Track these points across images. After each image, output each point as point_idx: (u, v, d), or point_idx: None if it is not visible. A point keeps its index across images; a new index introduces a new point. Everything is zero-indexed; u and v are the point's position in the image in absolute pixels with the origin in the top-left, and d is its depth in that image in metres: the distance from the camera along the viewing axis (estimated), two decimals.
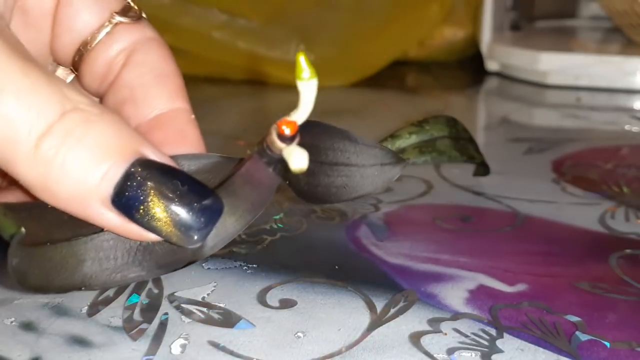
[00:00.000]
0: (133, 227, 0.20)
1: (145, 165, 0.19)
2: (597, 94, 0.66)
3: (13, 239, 0.19)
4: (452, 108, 0.64)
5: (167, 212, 0.19)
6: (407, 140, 0.38)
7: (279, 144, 0.20)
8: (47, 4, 0.25)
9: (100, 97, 0.26)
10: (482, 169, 0.41)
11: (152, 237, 0.20)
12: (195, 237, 0.20)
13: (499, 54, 0.75)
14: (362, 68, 0.73)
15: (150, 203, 0.19)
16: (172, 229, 0.19)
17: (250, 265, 0.30)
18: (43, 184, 0.19)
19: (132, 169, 0.19)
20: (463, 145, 0.39)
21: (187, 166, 0.22)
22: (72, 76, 0.27)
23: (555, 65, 0.69)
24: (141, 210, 0.19)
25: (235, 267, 0.30)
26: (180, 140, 0.24)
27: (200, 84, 0.74)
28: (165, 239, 0.20)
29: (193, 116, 0.25)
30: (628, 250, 0.32)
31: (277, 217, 0.36)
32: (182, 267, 0.21)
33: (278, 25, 0.71)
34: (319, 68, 0.21)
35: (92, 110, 0.19)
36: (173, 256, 0.21)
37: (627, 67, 0.66)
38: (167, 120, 0.25)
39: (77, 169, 0.19)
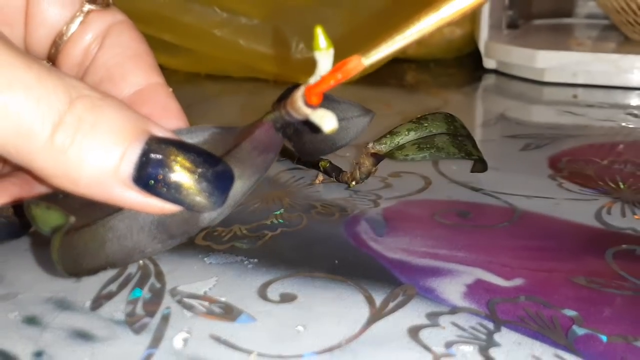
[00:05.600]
0: (153, 202, 0.20)
1: (158, 142, 0.20)
2: (594, 91, 0.66)
3: (60, 229, 0.19)
4: (451, 105, 0.64)
5: (188, 181, 0.20)
6: (406, 137, 0.38)
7: (305, 109, 0.21)
8: (18, 0, 0.25)
9: None
10: (480, 165, 0.41)
11: (171, 208, 0.21)
12: (215, 202, 0.21)
13: (497, 52, 0.75)
14: None
15: (171, 175, 0.20)
16: (195, 197, 0.20)
17: (251, 260, 0.31)
18: (64, 172, 0.19)
19: (148, 147, 0.20)
20: (461, 141, 0.39)
21: (187, 140, 0.23)
22: None
23: (552, 63, 0.69)
24: (164, 184, 0.20)
25: (237, 261, 0.31)
26: (165, 114, 0.25)
27: (202, 81, 0.75)
28: (186, 207, 0.21)
29: (170, 89, 0.26)
30: (624, 246, 0.32)
31: (278, 212, 0.36)
32: (195, 235, 0.23)
33: (278, 23, 0.72)
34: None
35: (95, 95, 0.20)
36: (185, 226, 0.22)
37: (623, 64, 0.66)
38: (147, 95, 0.26)
39: (95, 154, 0.19)
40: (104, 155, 0.19)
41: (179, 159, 0.20)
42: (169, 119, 0.25)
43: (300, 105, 0.21)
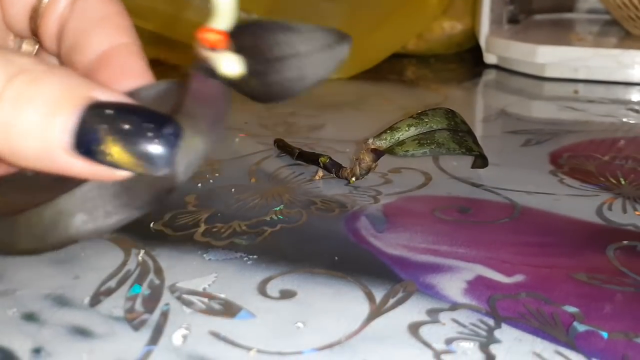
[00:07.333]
0: (102, 169, 0.20)
1: (96, 107, 0.20)
2: (595, 86, 0.66)
3: None
4: (451, 100, 0.64)
5: (125, 146, 0.20)
6: (406, 133, 0.38)
7: (203, 52, 0.20)
8: None
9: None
10: (481, 160, 0.41)
11: (122, 174, 0.20)
12: (160, 164, 0.20)
13: (498, 47, 0.75)
14: (362, 61, 0.73)
15: (107, 142, 0.20)
16: (134, 161, 0.20)
17: (251, 256, 0.31)
18: (9, 149, 0.20)
19: (84, 114, 0.20)
20: (462, 137, 0.39)
21: (145, 95, 0.23)
22: (37, 46, 0.27)
23: (553, 58, 0.69)
24: (101, 151, 0.20)
25: (236, 258, 0.31)
26: (125, 75, 0.25)
27: None
28: (132, 171, 0.20)
29: (137, 47, 0.26)
30: (625, 242, 0.32)
31: (277, 208, 0.36)
32: (167, 197, 0.22)
33: (277, 17, 0.72)
34: None
35: (37, 69, 0.20)
36: (154, 189, 0.22)
37: (624, 59, 0.66)
38: (109, 58, 0.25)
39: (35, 127, 0.19)
40: (43, 127, 0.19)
41: (113, 124, 0.20)
42: (129, 79, 0.25)
43: (198, 49, 0.20)
